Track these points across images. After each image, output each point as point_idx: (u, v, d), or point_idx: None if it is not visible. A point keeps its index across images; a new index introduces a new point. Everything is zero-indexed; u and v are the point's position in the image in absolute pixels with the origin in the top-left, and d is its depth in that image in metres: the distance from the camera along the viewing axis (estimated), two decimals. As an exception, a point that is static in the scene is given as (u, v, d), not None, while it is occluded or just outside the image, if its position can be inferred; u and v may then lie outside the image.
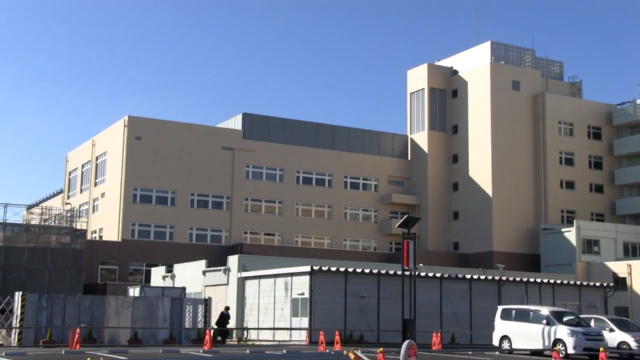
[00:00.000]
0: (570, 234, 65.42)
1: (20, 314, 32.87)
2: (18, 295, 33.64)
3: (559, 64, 78.81)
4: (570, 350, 29.07)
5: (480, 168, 70.17)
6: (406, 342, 21.38)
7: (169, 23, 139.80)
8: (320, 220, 70.94)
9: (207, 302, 37.39)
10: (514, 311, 32.43)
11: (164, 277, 51.95)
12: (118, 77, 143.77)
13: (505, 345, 31.66)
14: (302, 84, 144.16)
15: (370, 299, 38.48)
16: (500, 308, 33.55)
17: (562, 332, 29.62)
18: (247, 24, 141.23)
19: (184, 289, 40.36)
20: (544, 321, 30.42)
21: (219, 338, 36.26)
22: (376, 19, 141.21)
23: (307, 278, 37.62)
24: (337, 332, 30.95)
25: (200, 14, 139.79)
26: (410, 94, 76.25)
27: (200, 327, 36.02)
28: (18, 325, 32.77)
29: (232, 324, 41.56)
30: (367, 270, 39.32)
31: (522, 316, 31.70)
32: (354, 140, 74.17)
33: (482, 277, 43.20)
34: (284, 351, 29.13)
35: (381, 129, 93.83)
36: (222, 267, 44.75)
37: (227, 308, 37.06)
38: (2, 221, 53.54)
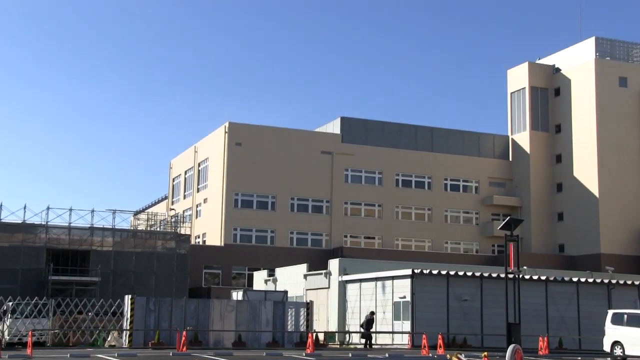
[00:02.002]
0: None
1: (130, 316, 33.95)
2: (127, 299, 34.75)
3: (670, 57, 75.47)
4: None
5: (586, 167, 67.98)
6: (511, 346, 20.82)
7: (268, 28, 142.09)
8: (421, 223, 70.34)
9: (308, 306, 37.59)
10: (626, 316, 31.09)
11: (266, 281, 52.61)
12: (218, 84, 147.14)
13: (618, 351, 30.40)
14: (400, 87, 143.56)
15: (473, 302, 37.78)
16: (611, 312, 32.24)
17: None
18: (344, 27, 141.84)
19: (285, 292, 40.74)
20: (661, 327, 29.01)
21: (362, 341, 35.98)
22: (475, 18, 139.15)
23: (408, 281, 37.29)
24: (439, 336, 30.52)
25: (297, 17, 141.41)
26: (511, 93, 74.69)
27: (302, 330, 36.22)
28: (128, 328, 33.86)
29: (333, 327, 41.66)
30: (469, 273, 38.66)
31: (636, 321, 30.34)
32: (453, 141, 73.23)
33: (590, 280, 41.71)
34: (386, 355, 28.94)
35: (481, 129, 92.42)
36: (323, 271, 44.92)
37: (372, 313, 36.52)
38: (111, 227, 55.57)
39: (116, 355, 26.45)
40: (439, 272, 37.90)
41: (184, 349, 28.94)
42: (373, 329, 36.70)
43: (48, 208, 53.48)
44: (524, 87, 72.92)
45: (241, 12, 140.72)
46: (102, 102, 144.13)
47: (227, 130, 65.42)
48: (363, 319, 36.77)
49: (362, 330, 36.26)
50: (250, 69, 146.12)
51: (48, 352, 29.48)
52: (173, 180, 79.42)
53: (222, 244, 63.76)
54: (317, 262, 52.75)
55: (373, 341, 36.41)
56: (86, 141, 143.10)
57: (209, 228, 67.49)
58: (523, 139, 72.54)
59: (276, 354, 29.23)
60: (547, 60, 74.84)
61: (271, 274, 52.73)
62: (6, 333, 34.16)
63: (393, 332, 37.26)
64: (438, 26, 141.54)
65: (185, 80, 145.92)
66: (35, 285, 50.77)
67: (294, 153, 66.62)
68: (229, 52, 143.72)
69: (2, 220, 52.19)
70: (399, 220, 69.70)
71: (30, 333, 28.23)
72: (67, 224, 53.95)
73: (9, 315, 35.11)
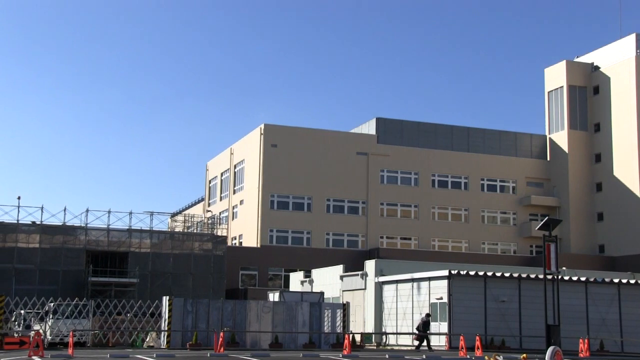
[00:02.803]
0: None
1: (168, 317, 34.24)
2: (165, 300, 35.06)
3: None
4: None
5: (627, 167, 66.94)
6: (551, 348, 20.56)
7: (303, 30, 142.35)
8: (457, 223, 69.90)
9: (345, 307, 37.55)
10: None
11: (302, 282, 52.69)
12: (254, 86, 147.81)
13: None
14: (435, 87, 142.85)
15: (511, 304, 37.42)
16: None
17: None
18: (379, 28, 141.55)
19: (322, 293, 40.71)
20: None
21: (416, 343, 35.62)
22: (512, 16, 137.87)
23: (445, 282, 37.08)
24: (477, 337, 30.25)
25: (333, 18, 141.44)
26: (548, 92, 73.87)
27: (339, 331, 36.19)
28: (166, 328, 34.15)
29: (370, 328, 41.57)
30: (507, 274, 38.31)
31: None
32: (489, 141, 72.65)
33: (632, 281, 41.03)
34: (424, 356, 28.78)
35: (518, 129, 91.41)
36: (360, 272, 44.86)
37: (427, 315, 36.15)
38: (148, 229, 56.13)
39: (154, 356, 26.67)
40: (476, 273, 37.62)
41: (222, 350, 29.08)
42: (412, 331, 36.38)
43: (87, 210, 54.25)
44: (562, 86, 72.06)
45: (276, 14, 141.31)
46: (140, 105, 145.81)
47: (262, 132, 65.68)
48: (419, 321, 36.06)
49: (417, 332, 35.63)
50: (286, 70, 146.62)
51: (88, 352, 29.86)
52: (209, 182, 79.95)
53: (259, 246, 64.02)
54: (353, 263, 52.70)
55: (418, 342, 36.09)
56: (125, 144, 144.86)
57: (245, 229, 67.81)
58: (561, 138, 71.70)
59: (313, 355, 29.23)
60: (586, 58, 73.86)
61: (307, 275, 52.79)
62: (48, 333, 34.66)
63: (430, 334, 37.00)
64: (474, 25, 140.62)
65: (221, 82, 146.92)
66: (75, 287, 51.48)
67: (329, 154, 66.65)
68: (265, 54, 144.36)
69: (44, 223, 53.01)
70: (436, 220, 69.34)
71: (71, 333, 28.61)
72: (105, 226, 54.62)
73: (51, 315, 35.62)
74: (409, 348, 36.38)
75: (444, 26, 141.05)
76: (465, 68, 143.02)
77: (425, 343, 35.36)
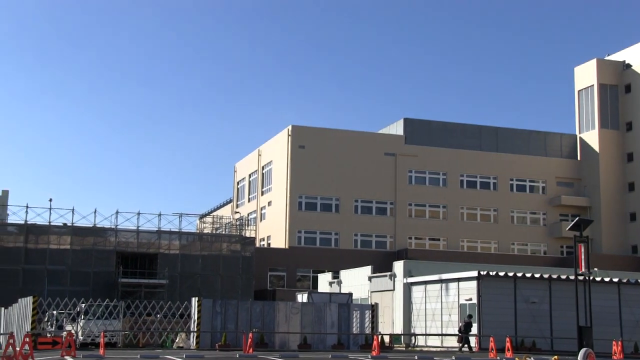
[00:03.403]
0: None
1: (197, 318, 34.41)
2: (194, 301, 35.23)
3: None
4: None
5: (659, 166, 66.01)
6: (583, 350, 20.34)
7: (331, 30, 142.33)
8: (486, 224, 69.44)
9: (373, 308, 37.46)
10: None
11: (330, 283, 52.66)
12: (281, 87, 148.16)
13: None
14: (463, 87, 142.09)
15: (541, 305, 37.06)
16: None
17: None
18: (407, 27, 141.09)
19: (350, 294, 40.62)
20: None
21: (460, 344, 35.28)
22: (540, 14, 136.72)
23: (474, 283, 36.84)
24: (507, 339, 29.99)
25: (360, 18, 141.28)
26: (578, 91, 73.13)
27: (367, 332, 36.11)
28: (195, 329, 34.32)
29: (399, 329, 41.42)
30: (537, 275, 37.96)
31: None
32: (519, 141, 72.09)
33: (665, 282, 40.43)
34: (453, 358, 28.62)
35: (547, 129, 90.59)
36: (388, 273, 44.73)
37: (469, 316, 35.90)
38: (177, 230, 56.46)
39: (184, 356, 26.82)
40: (506, 274, 37.34)
41: (251, 350, 29.15)
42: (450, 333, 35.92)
43: (117, 212, 54.74)
44: (592, 85, 71.30)
45: (304, 14, 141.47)
46: (168, 107, 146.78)
47: (290, 133, 65.77)
48: (461, 323, 35.58)
49: (459, 333, 35.24)
50: (313, 71, 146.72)
51: (119, 352, 30.10)
52: (237, 183, 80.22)
53: (287, 247, 64.11)
54: (381, 264, 52.54)
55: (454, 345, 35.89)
56: (153, 146, 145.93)
57: (273, 231, 67.94)
58: (592, 137, 70.93)
59: (342, 356, 29.21)
60: (617, 57, 73.02)
61: (336, 276, 52.76)
62: (80, 334, 35.00)
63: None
64: (503, 24, 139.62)
65: (248, 83, 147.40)
66: (105, 288, 51.94)
67: (357, 155, 66.55)
68: (292, 55, 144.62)
69: (74, 225, 53.58)
70: (464, 221, 68.95)
71: (102, 334, 28.86)
72: (135, 228, 55.04)
73: (82, 316, 35.96)
74: (438, 349, 36.19)
75: (472, 25, 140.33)
76: (494, 67, 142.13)
77: (467, 345, 34.94)
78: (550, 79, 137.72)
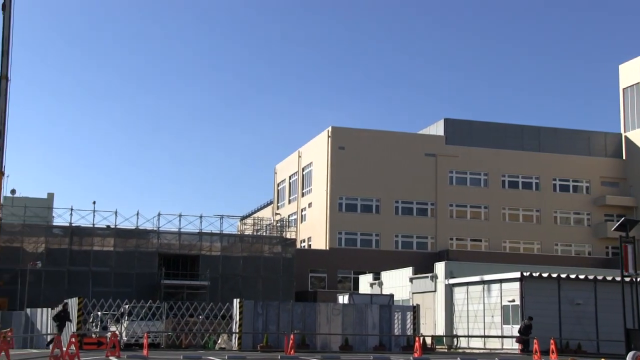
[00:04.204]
0: None
1: (239, 319, 34.60)
2: (236, 302, 35.43)
3: None
4: None
5: None
6: (631, 353, 19.98)
7: (370, 31, 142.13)
8: (529, 224, 68.65)
9: (415, 309, 37.28)
10: None
11: (371, 285, 52.56)
12: (321, 88, 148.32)
13: None
14: (504, 86, 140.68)
15: (586, 307, 36.49)
16: None
17: None
18: (447, 27, 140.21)
19: (391, 296, 40.50)
20: None
21: (520, 346, 34.65)
22: (583, 12, 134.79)
23: (517, 284, 36.45)
24: (552, 341, 29.57)
25: (399, 18, 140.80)
26: (623, 89, 71.86)
27: (409, 334, 35.94)
28: (237, 331, 34.51)
29: (441, 331, 41.17)
30: (581, 276, 37.40)
31: None
32: (561, 141, 71.15)
33: None
34: (496, 359, 28.31)
35: (591, 128, 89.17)
36: (429, 274, 44.49)
37: (530, 318, 35.34)
38: (219, 232, 56.85)
39: (226, 357, 26.97)
40: (549, 275, 36.87)
41: (292, 352, 29.20)
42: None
43: (159, 214, 55.34)
44: (638, 82, 70.03)
45: (345, 14, 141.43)
46: (210, 110, 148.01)
47: (330, 134, 65.80)
48: (521, 324, 34.86)
49: (519, 335, 34.62)
50: (353, 72, 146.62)
51: (162, 353, 30.41)
52: (278, 185, 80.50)
53: (327, 248, 64.13)
54: (422, 265, 52.26)
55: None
56: (194, 148, 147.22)
57: (314, 232, 68.03)
58: (637, 136, 69.66)
59: (383, 358, 29.10)
60: (662, 53, 71.64)
61: (377, 277, 52.64)
62: (124, 334, 35.43)
63: (503, 337, 36.43)
64: (545, 23, 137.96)
65: (288, 85, 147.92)
66: (148, 289, 52.49)
67: (397, 156, 66.32)
68: (332, 55, 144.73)
69: (118, 227, 54.28)
70: (506, 222, 68.26)
71: (145, 335, 29.18)
72: (177, 230, 55.56)
73: (126, 317, 36.40)
74: (481, 351, 35.85)
75: (514, 24, 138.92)
76: (536, 66, 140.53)
77: (526, 347, 34.20)
78: (594, 77, 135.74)
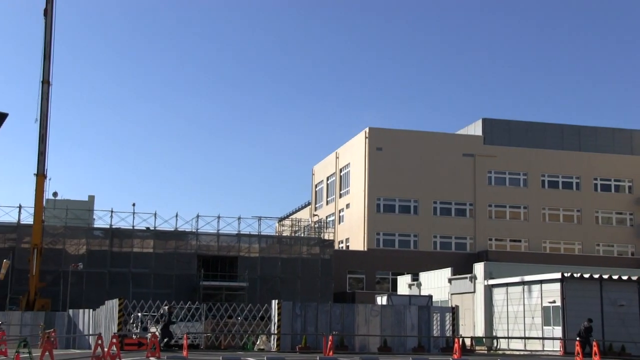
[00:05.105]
0: None
1: (278, 321, 34.68)
2: (274, 304, 35.50)
3: None
4: None
5: None
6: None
7: (406, 33, 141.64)
8: (570, 224, 67.75)
9: (454, 310, 37.01)
10: None
11: (409, 285, 52.33)
12: (358, 89, 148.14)
13: None
14: (543, 85, 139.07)
15: (630, 308, 35.87)
16: None
17: None
18: (485, 28, 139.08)
19: (430, 297, 40.24)
20: None
21: (580, 349, 33.82)
22: (623, 6, 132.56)
23: (558, 285, 35.97)
24: (594, 343, 29.13)
25: (437, 19, 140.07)
26: (665, 86, 70.60)
27: (448, 335, 35.69)
28: (276, 332, 34.60)
29: (480, 332, 40.81)
30: (624, 277, 36.74)
31: None
32: (602, 140, 70.11)
33: None
34: (537, 362, 27.97)
35: (632, 126, 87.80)
36: (468, 275, 44.16)
37: (589, 320, 34.66)
38: (257, 233, 57.07)
39: (265, 358, 27.04)
40: (591, 276, 36.30)
41: (331, 353, 29.18)
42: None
43: (198, 216, 55.74)
44: (680, 79, 68.79)
45: (381, 17, 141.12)
46: (247, 110, 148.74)
47: (367, 135, 65.70)
48: (581, 326, 34.21)
49: (579, 338, 33.97)
50: (390, 72, 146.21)
51: (202, 354, 30.60)
52: (316, 186, 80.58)
53: (366, 249, 64.01)
54: (461, 266, 51.89)
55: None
56: (232, 150, 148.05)
57: (351, 233, 67.95)
58: (680, 134, 68.39)
59: (422, 359, 28.94)
60: None
61: (415, 278, 52.40)
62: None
63: (543, 338, 35.99)
64: (584, 20, 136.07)
65: (326, 86, 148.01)
66: (187, 290, 52.93)
67: (435, 156, 65.96)
68: (370, 57, 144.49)
69: (157, 228, 54.79)
70: (546, 222, 67.46)
71: (185, 336, 29.40)
72: (215, 231, 55.89)
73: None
74: (522, 352, 35.46)
75: (554, 21, 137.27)
76: (575, 64, 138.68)
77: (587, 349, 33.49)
78: (636, 75, 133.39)
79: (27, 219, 51.07)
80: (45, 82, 48.64)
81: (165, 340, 33.06)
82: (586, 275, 36.34)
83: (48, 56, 48.92)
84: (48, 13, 49.32)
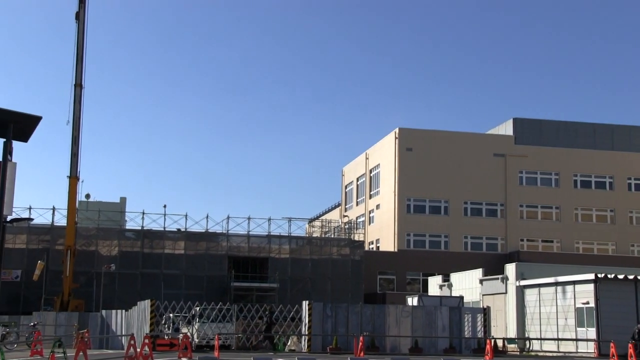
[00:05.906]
0: None
1: (308, 322, 34.74)
2: (305, 304, 35.59)
3: None
4: None
5: None
6: None
7: (437, 31, 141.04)
8: (603, 225, 66.94)
9: (485, 311, 36.78)
10: None
11: (440, 286, 52.06)
12: (388, 89, 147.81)
13: None
14: (574, 84, 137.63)
15: (665, 309, 35.26)
16: None
17: None
18: (515, 27, 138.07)
19: (461, 298, 40.01)
20: None
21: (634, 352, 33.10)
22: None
23: (591, 286, 35.54)
24: (630, 345, 28.75)
25: (467, 19, 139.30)
26: (700, 83, 69.48)
27: (480, 336, 35.47)
28: (307, 333, 34.67)
29: (512, 333, 40.49)
30: (660, 278, 36.16)
31: None
32: (636, 139, 69.23)
33: None
34: (572, 364, 27.68)
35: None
36: (500, 276, 43.82)
37: None
38: (287, 235, 57.20)
39: (296, 359, 27.10)
40: (626, 277, 35.81)
41: (362, 354, 29.18)
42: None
43: (228, 217, 56.01)
44: None
45: (409, 16, 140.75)
46: (277, 112, 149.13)
47: (397, 135, 65.53)
48: (635, 329, 33.54)
49: (634, 340, 33.37)
50: (420, 72, 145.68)
51: (233, 355, 30.76)
52: (345, 187, 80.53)
53: (396, 250, 63.83)
54: (492, 267, 51.54)
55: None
56: (263, 151, 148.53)
57: (382, 234, 67.81)
58: None
59: (454, 360, 28.82)
60: None
61: (446, 279, 52.14)
62: (195, 336, 35.97)
63: (577, 340, 35.60)
64: (616, 17, 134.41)
65: (355, 86, 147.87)
66: (218, 291, 53.20)
67: (465, 156, 65.60)
68: (399, 58, 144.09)
69: (188, 230, 55.15)
70: (579, 222, 66.73)
71: (216, 337, 29.58)
72: (246, 232, 56.14)
73: (197, 319, 36.94)
74: (555, 354, 35.11)
75: (580, 23, 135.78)
76: (608, 63, 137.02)
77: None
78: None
79: (61, 220, 51.82)
80: (78, 85, 49.26)
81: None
82: (620, 276, 35.86)
83: (80, 59, 49.54)
84: (80, 17, 49.93)
